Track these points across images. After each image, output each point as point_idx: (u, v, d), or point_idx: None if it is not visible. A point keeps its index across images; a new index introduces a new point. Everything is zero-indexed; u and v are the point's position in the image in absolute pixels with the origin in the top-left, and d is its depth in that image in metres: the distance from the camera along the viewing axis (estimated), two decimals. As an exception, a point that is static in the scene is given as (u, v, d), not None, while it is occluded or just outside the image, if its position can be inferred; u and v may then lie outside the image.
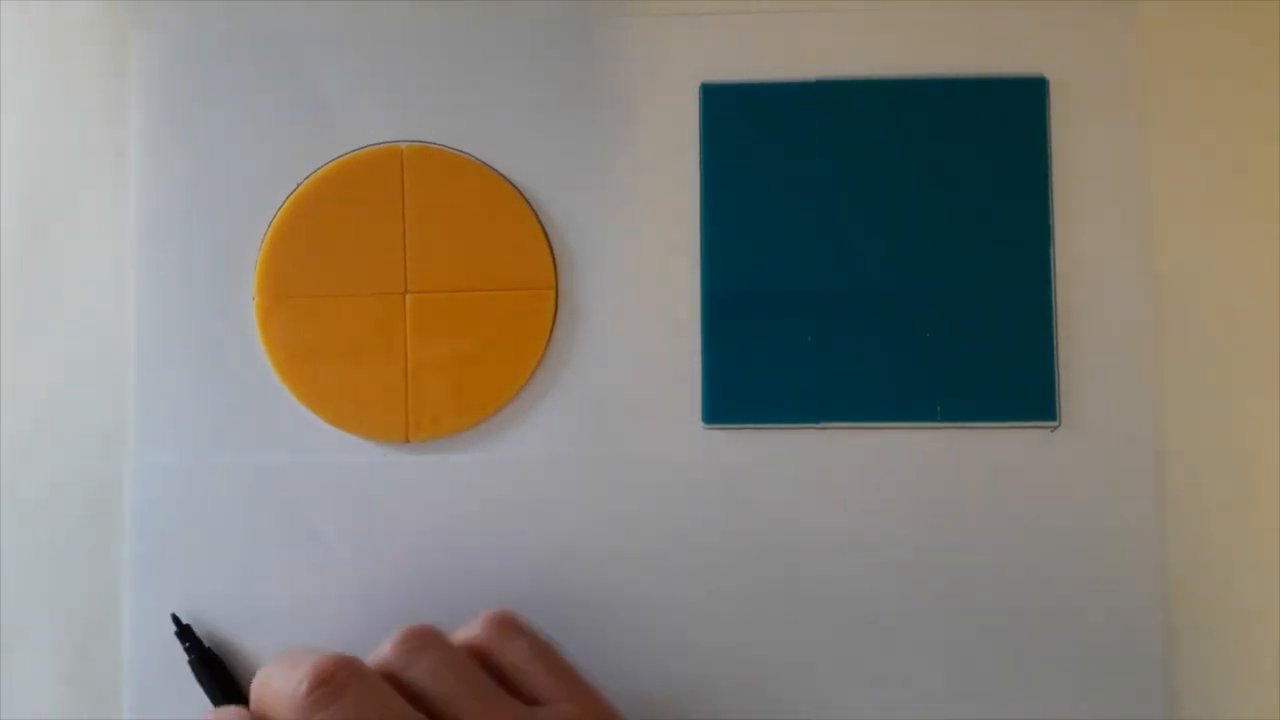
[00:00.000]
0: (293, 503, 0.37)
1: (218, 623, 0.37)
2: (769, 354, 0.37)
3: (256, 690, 0.30)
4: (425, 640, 0.30)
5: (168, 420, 0.37)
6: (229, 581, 0.37)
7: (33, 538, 0.38)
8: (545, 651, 0.32)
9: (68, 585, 0.37)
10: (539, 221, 0.37)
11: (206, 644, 0.36)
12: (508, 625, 0.32)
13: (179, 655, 0.36)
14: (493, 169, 0.38)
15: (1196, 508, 0.36)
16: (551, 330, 0.37)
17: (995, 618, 0.36)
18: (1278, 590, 0.36)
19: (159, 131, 0.38)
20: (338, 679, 0.28)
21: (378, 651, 0.30)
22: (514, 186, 0.38)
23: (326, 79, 0.38)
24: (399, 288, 0.37)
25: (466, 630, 0.32)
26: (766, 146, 0.37)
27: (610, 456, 0.37)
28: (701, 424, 0.37)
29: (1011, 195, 0.37)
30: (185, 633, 0.36)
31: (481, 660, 0.32)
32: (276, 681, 0.29)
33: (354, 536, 0.37)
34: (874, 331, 0.37)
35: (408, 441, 0.37)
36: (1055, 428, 0.36)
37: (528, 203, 0.38)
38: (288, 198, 0.38)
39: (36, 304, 0.38)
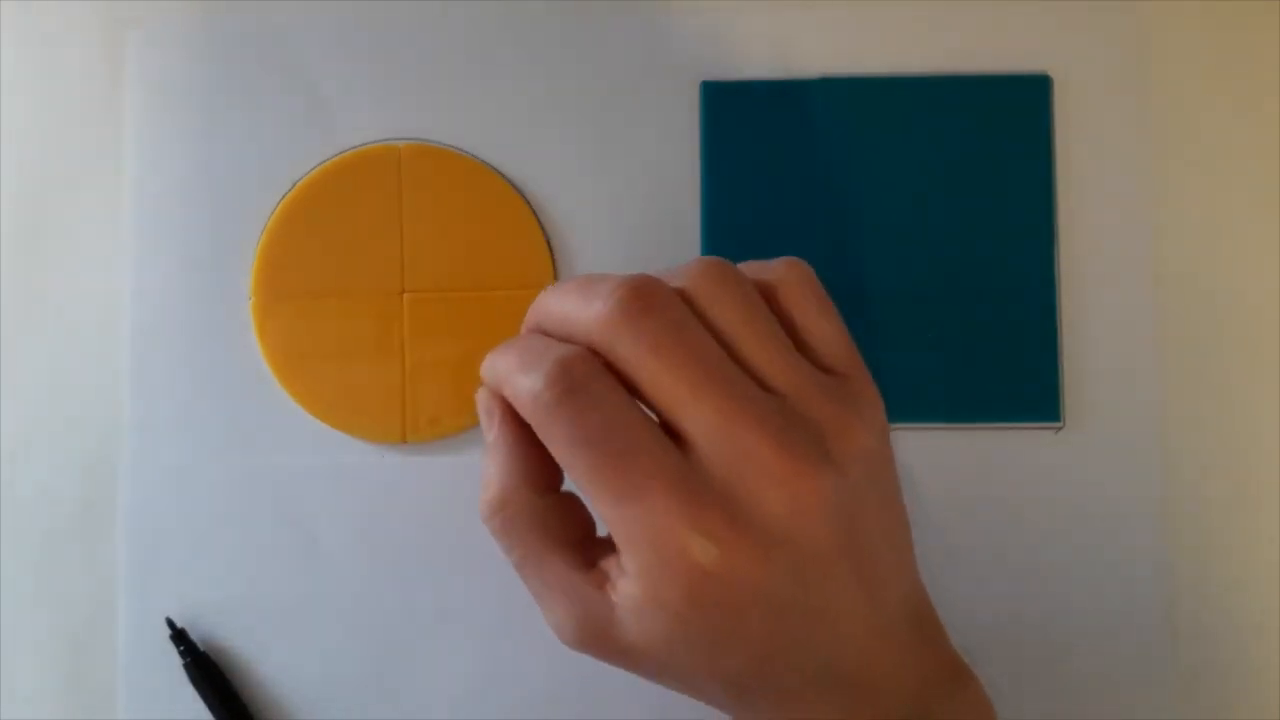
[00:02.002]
0: (289, 504, 0.37)
1: (213, 624, 0.37)
2: (770, 354, 0.36)
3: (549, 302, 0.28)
4: (735, 273, 0.27)
5: (163, 420, 0.37)
6: (224, 583, 0.37)
7: (27, 538, 0.37)
8: (840, 317, 0.29)
9: (63, 586, 0.37)
10: (538, 221, 0.37)
11: (201, 647, 0.36)
12: (811, 274, 0.29)
13: (174, 657, 0.36)
14: (492, 168, 0.37)
15: (1200, 508, 0.36)
16: (551, 330, 0.37)
17: (999, 618, 0.36)
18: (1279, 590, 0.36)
19: (155, 130, 0.38)
20: (652, 299, 0.26)
21: (684, 269, 0.27)
22: (513, 186, 0.37)
23: (324, 77, 0.38)
24: (396, 287, 0.37)
25: (756, 270, 0.29)
26: (768, 145, 0.37)
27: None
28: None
29: (1015, 194, 0.37)
30: (180, 637, 0.36)
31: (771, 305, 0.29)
32: (572, 299, 0.27)
33: (350, 538, 0.37)
34: (877, 331, 0.36)
35: (405, 442, 0.37)
36: (1059, 429, 0.36)
37: (527, 202, 0.37)
38: (284, 196, 0.37)
39: (33, 303, 0.38)
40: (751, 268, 0.29)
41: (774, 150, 0.37)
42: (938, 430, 0.36)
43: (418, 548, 0.37)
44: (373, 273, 0.37)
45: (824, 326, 0.29)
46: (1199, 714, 0.35)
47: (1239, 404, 0.36)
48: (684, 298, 0.27)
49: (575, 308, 0.27)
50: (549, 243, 0.37)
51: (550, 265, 0.37)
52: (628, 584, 0.26)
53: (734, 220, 0.37)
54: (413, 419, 0.36)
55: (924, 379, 0.36)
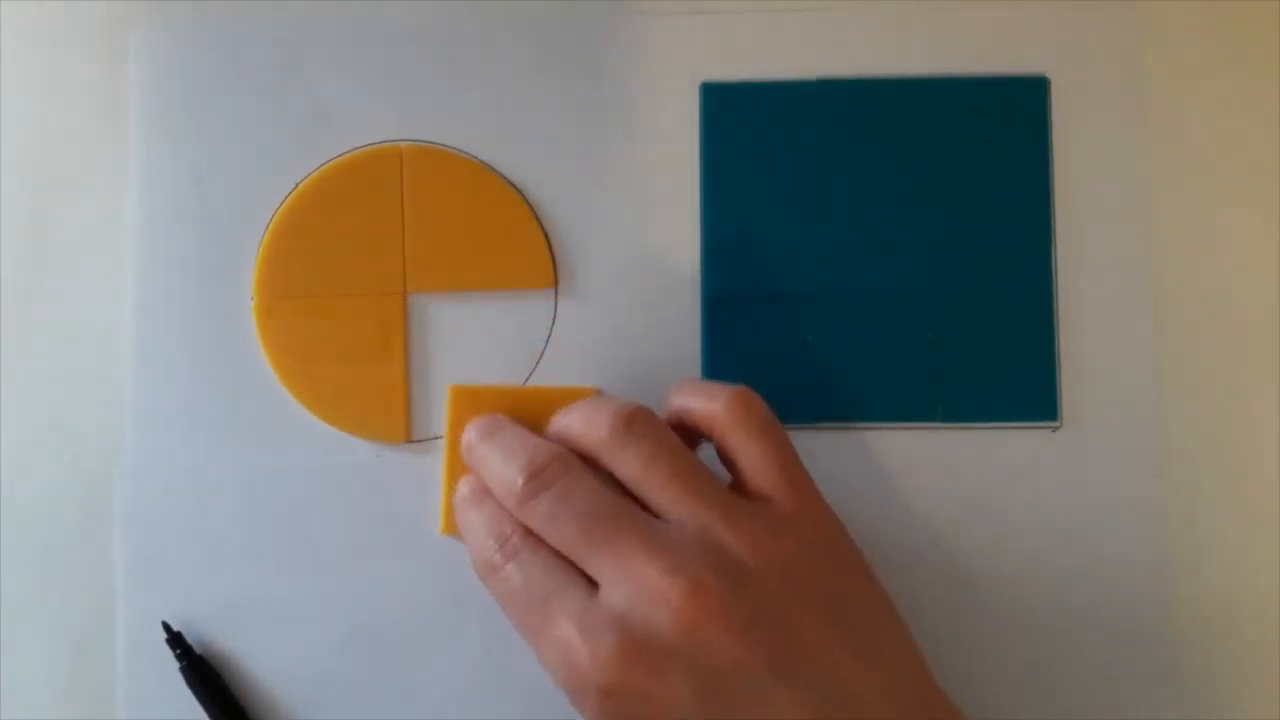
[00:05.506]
0: (290, 504, 0.37)
1: (213, 627, 0.36)
2: (768, 354, 0.37)
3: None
4: (642, 424, 0.30)
5: (165, 421, 0.37)
6: (225, 585, 0.37)
7: (28, 541, 0.37)
8: (783, 444, 0.31)
9: (62, 589, 0.37)
10: (539, 221, 0.37)
11: (199, 650, 0.36)
12: (752, 406, 0.31)
13: (173, 660, 0.36)
14: (493, 169, 0.38)
15: (1198, 506, 0.36)
16: (551, 330, 0.37)
17: (996, 618, 0.36)
18: (1278, 589, 0.36)
19: (158, 131, 0.38)
20: (549, 472, 0.30)
21: (595, 432, 0.30)
22: (514, 186, 0.37)
23: (326, 78, 0.38)
24: (398, 288, 0.37)
25: (702, 401, 0.31)
26: (767, 146, 0.37)
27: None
28: (702, 424, 0.37)
29: (1012, 195, 0.37)
30: (176, 640, 0.36)
31: (713, 443, 0.32)
32: (495, 465, 0.31)
33: (351, 539, 0.37)
34: (874, 331, 0.37)
35: (407, 441, 0.37)
36: (1057, 428, 0.36)
37: (528, 203, 0.37)
38: (286, 197, 0.37)
39: (34, 304, 0.38)
40: (697, 391, 0.32)
41: (773, 151, 0.37)
42: (934, 430, 0.36)
43: (419, 548, 0.37)
44: (375, 273, 0.37)
45: (753, 454, 0.31)
46: (1199, 714, 0.35)
47: (1236, 402, 0.36)
48: (593, 452, 0.30)
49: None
50: (549, 243, 0.37)
51: (550, 265, 0.37)
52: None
53: (733, 221, 0.37)
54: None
55: (921, 379, 0.36)
